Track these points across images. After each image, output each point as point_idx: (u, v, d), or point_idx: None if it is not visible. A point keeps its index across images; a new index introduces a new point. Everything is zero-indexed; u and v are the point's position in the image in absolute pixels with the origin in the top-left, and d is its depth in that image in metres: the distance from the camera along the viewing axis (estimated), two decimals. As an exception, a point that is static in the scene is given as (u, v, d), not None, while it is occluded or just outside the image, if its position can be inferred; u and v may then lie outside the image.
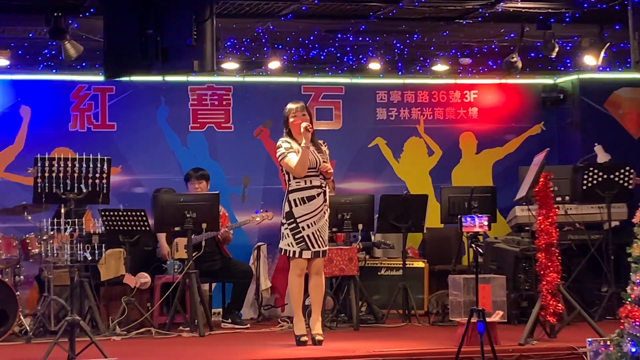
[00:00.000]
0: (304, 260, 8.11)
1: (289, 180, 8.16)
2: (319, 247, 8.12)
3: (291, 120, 8.18)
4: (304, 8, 8.97)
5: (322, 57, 10.86)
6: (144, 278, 9.42)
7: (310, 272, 8.18)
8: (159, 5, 6.63)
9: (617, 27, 9.51)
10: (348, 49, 10.61)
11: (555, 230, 8.16)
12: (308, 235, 8.07)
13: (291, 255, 8.13)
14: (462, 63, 11.03)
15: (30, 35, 9.53)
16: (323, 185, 8.15)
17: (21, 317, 8.97)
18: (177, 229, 9.32)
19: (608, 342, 6.46)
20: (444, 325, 9.36)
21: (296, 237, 8.08)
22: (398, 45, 10.44)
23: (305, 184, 8.12)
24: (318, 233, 8.10)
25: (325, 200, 8.15)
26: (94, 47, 9.13)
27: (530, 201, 8.31)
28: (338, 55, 10.85)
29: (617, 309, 6.47)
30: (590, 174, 9.71)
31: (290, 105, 8.27)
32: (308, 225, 8.08)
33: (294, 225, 8.09)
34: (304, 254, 8.08)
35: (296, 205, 8.09)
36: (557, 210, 8.27)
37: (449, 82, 12.27)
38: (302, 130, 8.04)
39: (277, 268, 11.00)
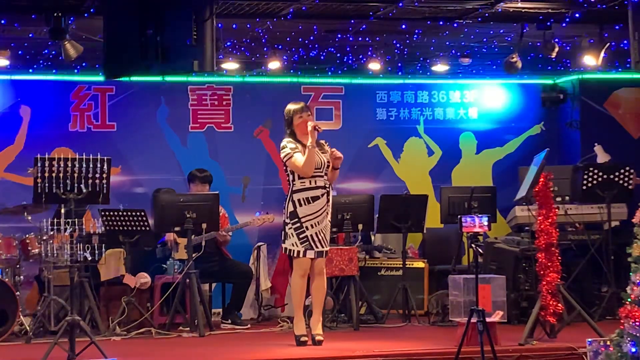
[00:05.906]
0: (308, 260, 8.10)
1: (294, 180, 8.15)
2: (322, 247, 8.13)
3: (298, 121, 8.16)
4: (303, 8, 8.97)
5: (322, 57, 10.86)
6: (144, 278, 9.43)
7: (313, 272, 8.18)
8: (159, 5, 6.62)
9: (617, 27, 9.52)
10: (348, 49, 10.61)
11: (555, 230, 8.16)
12: (311, 235, 8.08)
13: (295, 255, 8.12)
14: (462, 63, 11.02)
15: (30, 35, 9.53)
16: (327, 186, 8.17)
17: (21, 317, 8.97)
18: (177, 229, 9.33)
19: (608, 342, 6.47)
20: (444, 325, 9.35)
21: (300, 237, 8.08)
22: (398, 45, 10.44)
23: (310, 184, 8.11)
24: (322, 233, 8.11)
25: (328, 201, 8.17)
26: (94, 47, 9.13)
27: (530, 201, 8.31)
28: (338, 55, 10.85)
29: (617, 309, 6.48)
30: (590, 174, 9.71)
31: (293, 107, 8.25)
32: (312, 225, 8.08)
33: (298, 225, 8.09)
34: (308, 253, 8.09)
35: (300, 205, 8.09)
36: (557, 210, 8.27)
37: (449, 82, 12.27)
38: (309, 129, 8.03)
39: (277, 268, 11.00)
